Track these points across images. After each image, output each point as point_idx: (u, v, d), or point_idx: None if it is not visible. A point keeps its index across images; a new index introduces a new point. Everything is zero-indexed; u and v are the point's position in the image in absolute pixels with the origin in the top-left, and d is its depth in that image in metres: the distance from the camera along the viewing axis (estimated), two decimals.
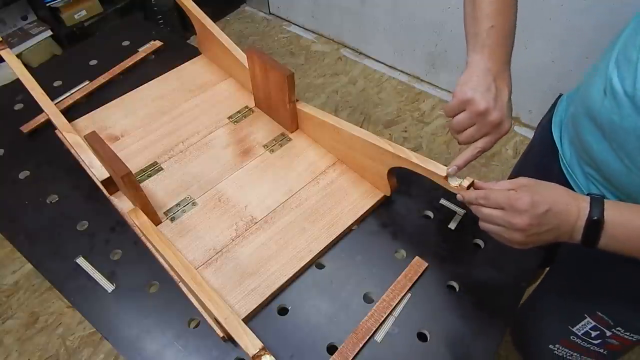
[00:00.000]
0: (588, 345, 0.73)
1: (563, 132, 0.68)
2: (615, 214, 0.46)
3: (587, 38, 1.40)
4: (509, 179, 0.87)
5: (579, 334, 0.72)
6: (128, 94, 0.86)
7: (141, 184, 0.71)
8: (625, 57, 0.51)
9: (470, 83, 0.51)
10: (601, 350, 0.73)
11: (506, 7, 0.55)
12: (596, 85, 0.56)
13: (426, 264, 0.62)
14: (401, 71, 2.07)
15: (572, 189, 0.63)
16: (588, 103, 0.57)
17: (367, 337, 0.56)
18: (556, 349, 0.80)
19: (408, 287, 0.60)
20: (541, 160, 0.73)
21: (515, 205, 0.46)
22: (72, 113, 0.83)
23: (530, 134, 1.79)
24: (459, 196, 0.54)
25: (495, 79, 0.52)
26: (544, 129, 0.73)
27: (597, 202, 0.46)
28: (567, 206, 0.47)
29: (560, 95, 0.73)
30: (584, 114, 0.59)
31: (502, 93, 0.52)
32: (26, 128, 0.82)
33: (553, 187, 0.49)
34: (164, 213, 0.68)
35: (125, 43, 1.00)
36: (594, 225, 0.46)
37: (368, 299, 0.60)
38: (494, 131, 0.52)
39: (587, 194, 0.48)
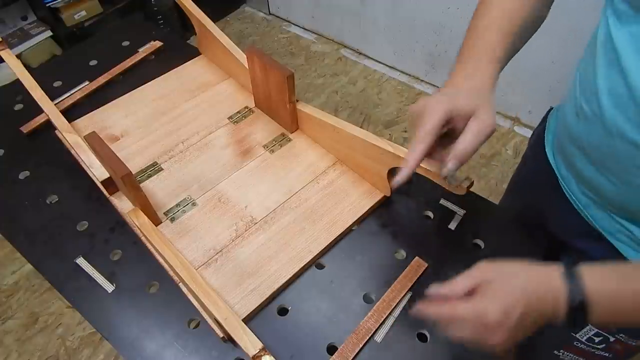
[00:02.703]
0: (593, 350, 0.73)
1: (555, 149, 0.66)
2: (598, 287, 0.39)
3: (587, 38, 1.40)
4: (507, 192, 0.85)
5: (583, 339, 0.72)
6: (128, 94, 0.86)
7: (141, 184, 0.71)
8: (587, 80, 0.50)
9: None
10: (606, 354, 0.72)
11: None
12: (570, 108, 0.55)
13: (426, 264, 0.62)
14: (401, 71, 2.07)
15: (571, 206, 0.61)
16: (566, 125, 0.57)
17: (367, 338, 0.56)
18: (561, 353, 0.79)
19: (408, 287, 0.60)
20: (535, 178, 0.71)
21: (486, 324, 0.40)
22: (72, 113, 0.83)
23: (530, 134, 1.79)
24: (415, 311, 0.45)
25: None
26: (537, 142, 0.71)
27: (574, 282, 0.40)
28: (541, 296, 0.41)
29: (551, 109, 0.72)
30: (565, 136, 0.59)
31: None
32: (26, 128, 0.82)
33: (519, 272, 0.42)
34: (164, 213, 0.68)
35: (125, 43, 0.99)
36: (577, 309, 0.40)
37: (368, 299, 0.60)
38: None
39: (560, 265, 0.41)
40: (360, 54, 2.17)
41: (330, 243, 0.64)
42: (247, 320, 0.58)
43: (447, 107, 0.45)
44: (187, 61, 0.93)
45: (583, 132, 0.53)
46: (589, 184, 0.56)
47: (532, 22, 0.55)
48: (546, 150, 0.67)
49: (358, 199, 0.69)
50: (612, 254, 0.58)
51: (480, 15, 0.53)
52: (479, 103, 0.45)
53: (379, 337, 0.56)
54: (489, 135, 0.45)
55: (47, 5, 1.82)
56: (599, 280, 0.40)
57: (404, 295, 0.60)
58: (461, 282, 0.43)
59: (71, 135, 0.71)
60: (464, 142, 0.44)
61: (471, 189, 0.60)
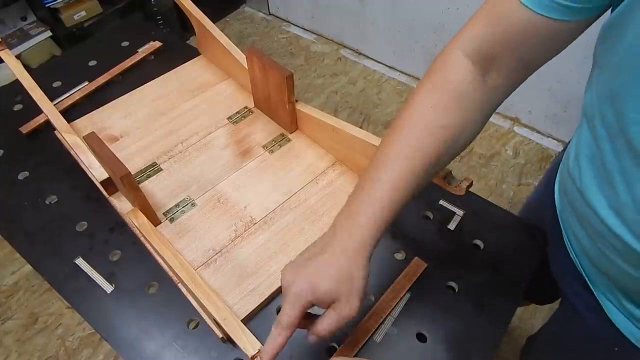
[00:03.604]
0: None
1: (560, 190, 0.64)
2: None
3: (587, 38, 1.40)
4: (521, 209, 0.83)
5: None
6: (127, 94, 0.86)
7: (140, 185, 0.71)
8: (576, 152, 0.50)
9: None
10: None
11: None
12: (564, 161, 0.55)
13: (425, 265, 0.62)
14: (401, 72, 2.07)
15: (566, 249, 0.60)
16: (563, 174, 0.57)
17: (366, 338, 0.56)
18: None
19: (407, 288, 0.60)
20: (542, 210, 0.69)
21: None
22: (71, 114, 0.83)
23: (530, 135, 1.79)
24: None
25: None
26: (552, 173, 0.68)
27: None
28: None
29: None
30: (561, 184, 0.58)
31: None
32: (25, 129, 0.82)
33: None
34: (163, 214, 0.68)
35: (125, 44, 0.99)
36: None
37: (367, 300, 0.60)
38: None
39: None
40: (359, 54, 2.17)
41: None
42: (247, 320, 0.58)
43: (307, 300, 0.42)
44: (186, 61, 0.93)
45: (570, 190, 0.52)
46: (576, 237, 0.56)
47: (456, 142, 0.47)
48: (555, 186, 0.65)
49: None
50: (596, 310, 0.55)
51: (394, 139, 0.46)
52: (342, 292, 0.42)
53: (378, 337, 0.56)
54: (350, 319, 0.43)
55: (47, 5, 1.82)
56: None
57: (403, 296, 0.60)
58: None
59: (70, 136, 0.71)
60: (323, 325, 0.43)
61: (471, 189, 0.60)
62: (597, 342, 0.57)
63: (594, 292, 0.56)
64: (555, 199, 0.63)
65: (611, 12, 0.38)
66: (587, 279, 0.56)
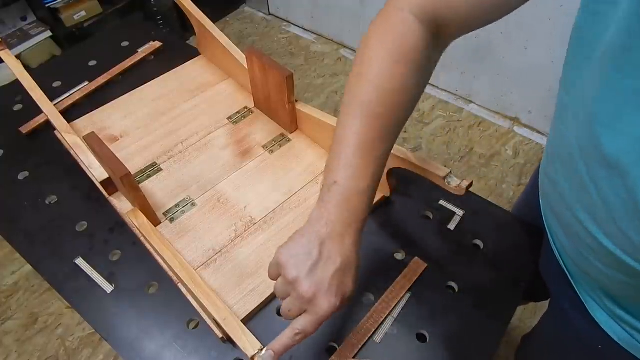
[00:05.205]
0: None
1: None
2: None
3: None
4: (514, 209, 0.84)
5: None
6: (127, 94, 0.86)
7: (140, 185, 0.71)
8: (551, 150, 0.51)
9: (290, 245, 0.44)
10: None
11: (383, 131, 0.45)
12: (543, 161, 0.55)
13: (425, 265, 0.62)
14: None
15: (550, 246, 0.60)
16: (540, 176, 0.57)
17: (366, 338, 0.56)
18: None
19: (407, 288, 0.60)
20: (530, 207, 0.69)
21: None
22: (71, 114, 0.83)
23: (530, 135, 1.79)
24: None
25: (326, 242, 0.42)
26: (537, 176, 0.68)
27: None
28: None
29: None
30: (540, 187, 0.59)
31: (328, 263, 0.42)
32: (25, 129, 0.82)
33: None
34: (163, 214, 0.68)
35: (125, 44, 0.99)
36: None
37: (367, 299, 0.60)
38: (308, 308, 0.42)
39: None
40: None
41: None
42: (247, 320, 0.58)
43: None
44: (186, 61, 0.93)
45: (547, 189, 0.52)
46: (557, 236, 0.56)
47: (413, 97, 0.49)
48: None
49: None
50: (580, 309, 0.55)
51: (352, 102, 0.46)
52: (316, 290, 0.41)
53: (378, 337, 0.56)
54: (326, 318, 0.43)
55: (47, 5, 1.83)
56: None
57: (403, 296, 0.60)
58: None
59: (70, 136, 0.71)
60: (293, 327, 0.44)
61: (471, 189, 0.60)
62: (583, 341, 0.57)
63: (577, 291, 0.56)
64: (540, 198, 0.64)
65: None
66: (570, 278, 0.56)
